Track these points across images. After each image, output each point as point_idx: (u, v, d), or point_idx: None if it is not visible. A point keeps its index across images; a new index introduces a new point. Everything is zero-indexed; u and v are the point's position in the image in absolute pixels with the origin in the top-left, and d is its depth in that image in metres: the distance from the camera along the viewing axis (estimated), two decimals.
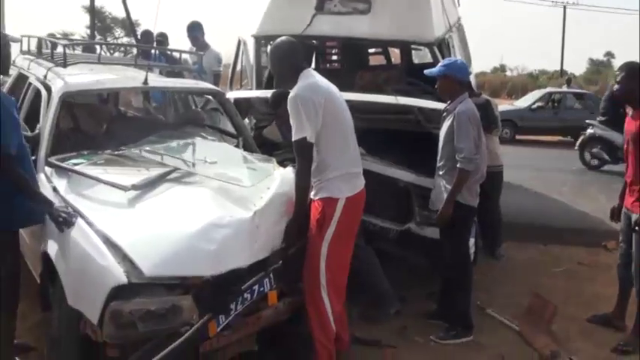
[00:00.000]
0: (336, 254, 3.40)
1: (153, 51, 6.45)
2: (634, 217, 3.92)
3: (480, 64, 43.11)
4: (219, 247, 2.97)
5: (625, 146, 4.09)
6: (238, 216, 3.15)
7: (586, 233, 6.37)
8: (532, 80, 36.26)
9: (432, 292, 4.70)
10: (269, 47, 3.99)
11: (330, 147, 3.38)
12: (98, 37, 33.67)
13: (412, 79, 6.36)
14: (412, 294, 4.70)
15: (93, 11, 15.47)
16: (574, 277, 5.28)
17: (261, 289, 3.21)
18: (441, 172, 4.18)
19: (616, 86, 4.09)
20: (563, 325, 4.30)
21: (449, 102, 4.20)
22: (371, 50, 9.01)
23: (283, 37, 3.62)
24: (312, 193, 3.46)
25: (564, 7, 38.68)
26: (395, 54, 10.29)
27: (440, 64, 4.25)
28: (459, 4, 8.62)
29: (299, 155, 3.35)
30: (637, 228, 3.88)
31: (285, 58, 3.50)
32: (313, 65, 8.27)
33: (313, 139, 3.31)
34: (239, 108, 5.50)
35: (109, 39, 37.69)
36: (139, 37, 7.38)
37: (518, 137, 15.65)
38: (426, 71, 4.32)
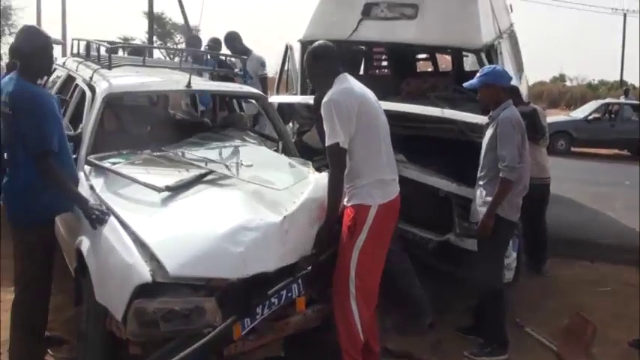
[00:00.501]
0: (367, 262, 3.33)
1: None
2: None
3: (540, 73, 42.11)
4: (246, 250, 2.96)
5: None
6: (268, 220, 3.14)
7: (636, 252, 6.04)
8: (591, 90, 35.11)
9: (469, 305, 4.58)
10: None
11: (363, 153, 3.33)
12: (158, 42, 34.59)
13: (459, 87, 6.25)
14: (449, 307, 4.59)
15: (151, 16, 15.90)
16: (619, 298, 5.02)
17: (289, 294, 3.17)
18: (481, 182, 4.03)
19: None
20: (603, 348, 4.09)
21: (491, 110, 4.07)
22: (421, 56, 8.93)
23: (319, 42, 3.59)
24: (345, 200, 3.41)
25: (624, 15, 37.32)
26: (446, 61, 10.21)
27: (478, 74, 4.09)
28: (511, 11, 8.44)
29: (331, 161, 3.31)
30: None
31: (320, 62, 3.48)
32: (362, 71, 8.28)
33: (346, 144, 3.26)
34: (283, 113, 5.53)
35: (168, 44, 38.58)
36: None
37: (573, 149, 15.13)
38: (465, 84, 4.20)
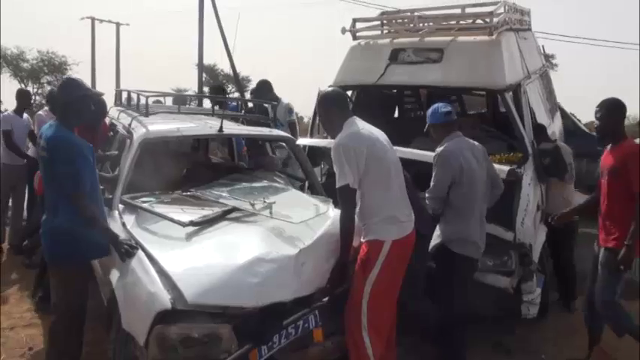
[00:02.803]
0: (380, 296, 3.45)
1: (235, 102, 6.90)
2: (602, 252, 4.00)
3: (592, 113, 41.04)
4: (262, 280, 3.14)
5: (601, 180, 4.11)
6: (284, 252, 3.33)
7: None
8: None
9: (497, 341, 4.60)
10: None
11: (375, 191, 3.48)
12: (208, 93, 35.78)
13: (486, 126, 6.37)
14: (476, 343, 4.58)
15: (201, 67, 16.59)
16: None
17: (306, 325, 3.32)
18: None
19: (596, 122, 4.07)
20: None
21: None
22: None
23: (329, 88, 3.83)
24: (362, 236, 3.56)
25: None
26: (482, 102, 10.31)
27: None
28: (543, 52, 8.53)
29: (342, 201, 3.48)
30: (622, 266, 3.86)
31: (330, 108, 3.68)
32: (397, 114, 8.49)
33: (356, 185, 3.43)
34: (314, 154, 5.75)
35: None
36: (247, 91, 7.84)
37: None
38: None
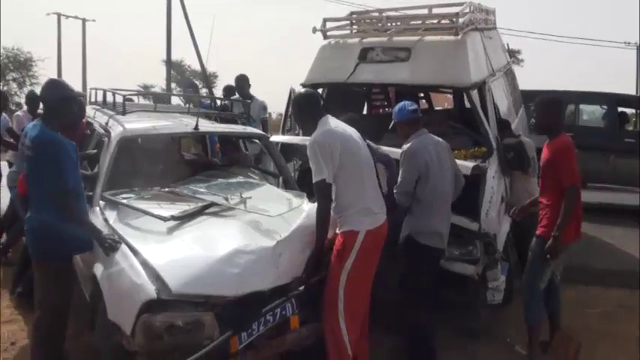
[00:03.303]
0: (355, 283, 3.64)
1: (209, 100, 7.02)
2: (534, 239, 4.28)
3: None
4: (242, 270, 3.31)
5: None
6: (262, 244, 3.50)
7: (632, 275, 6.21)
8: None
9: (463, 327, 4.82)
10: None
11: (348, 185, 3.67)
12: (177, 89, 35.60)
13: (452, 123, 6.60)
14: (442, 328, 4.78)
15: (169, 63, 16.58)
16: (610, 319, 5.20)
17: (284, 312, 3.49)
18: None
19: (532, 120, 4.35)
20: None
21: None
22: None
23: (302, 90, 4.00)
24: (337, 228, 3.75)
25: (638, 49, 37.29)
26: (449, 99, 10.58)
27: None
28: (508, 49, 8.80)
29: (319, 195, 3.66)
30: (548, 255, 4.12)
31: (304, 108, 3.89)
32: (365, 111, 8.69)
33: (332, 179, 3.61)
34: (286, 151, 5.91)
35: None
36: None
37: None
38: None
